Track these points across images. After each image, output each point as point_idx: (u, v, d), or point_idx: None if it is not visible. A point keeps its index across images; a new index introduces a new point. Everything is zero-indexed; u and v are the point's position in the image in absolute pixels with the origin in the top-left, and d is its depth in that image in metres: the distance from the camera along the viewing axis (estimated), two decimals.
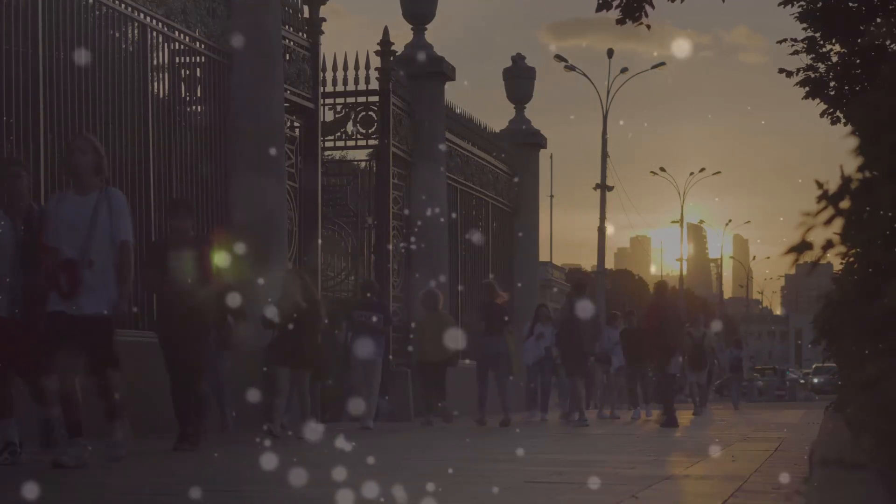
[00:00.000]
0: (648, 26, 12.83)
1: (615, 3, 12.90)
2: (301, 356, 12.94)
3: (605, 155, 42.00)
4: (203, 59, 15.23)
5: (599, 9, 12.97)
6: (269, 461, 7.42)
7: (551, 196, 55.70)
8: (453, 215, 22.67)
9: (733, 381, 29.71)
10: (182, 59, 14.93)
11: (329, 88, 19.34)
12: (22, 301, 8.67)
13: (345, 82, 19.72)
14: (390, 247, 19.98)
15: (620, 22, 12.93)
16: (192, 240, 10.59)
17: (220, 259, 13.01)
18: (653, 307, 18.39)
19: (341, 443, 9.39)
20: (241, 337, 13.13)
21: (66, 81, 12.25)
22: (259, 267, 14.90)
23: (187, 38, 14.77)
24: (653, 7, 12.87)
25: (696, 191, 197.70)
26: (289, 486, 6.60)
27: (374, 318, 15.90)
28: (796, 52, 14.69)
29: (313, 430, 12.52)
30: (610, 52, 41.35)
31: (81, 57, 12.42)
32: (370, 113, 19.98)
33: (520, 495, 6.60)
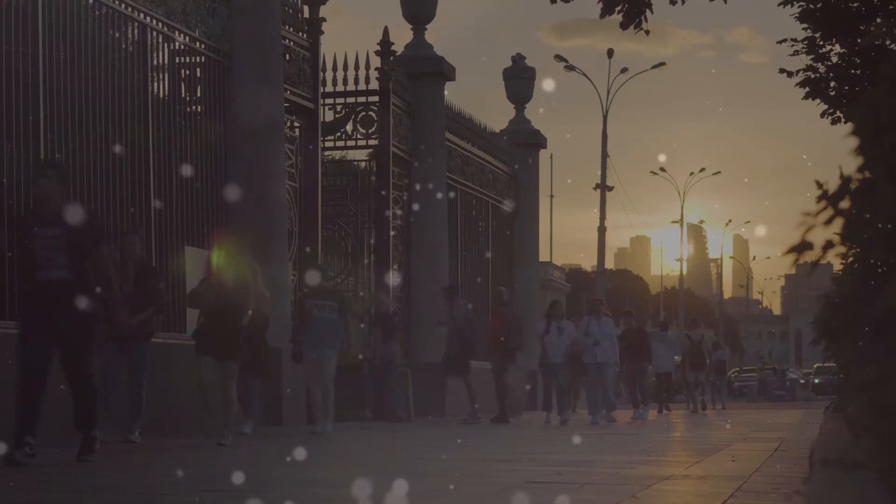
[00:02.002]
0: (647, 32, 12.97)
1: (618, 9, 12.99)
2: (225, 345, 11.28)
3: (605, 155, 42.00)
4: (203, 59, 15.23)
5: (603, 15, 13.08)
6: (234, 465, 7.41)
7: (551, 196, 55.77)
8: (453, 212, 22.69)
9: (716, 382, 30.23)
10: (182, 59, 14.93)
11: (329, 88, 19.35)
12: None
13: (345, 82, 19.73)
14: (390, 247, 19.99)
15: (623, 26, 13.04)
16: (61, 215, 8.63)
17: (219, 258, 12.88)
18: (499, 314, 18.74)
19: (299, 450, 9.37)
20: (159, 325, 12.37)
21: (66, 81, 12.24)
22: (259, 267, 14.90)
23: (187, 38, 14.77)
24: (651, 12, 12.99)
25: (696, 191, 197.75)
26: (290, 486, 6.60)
27: (330, 308, 14.05)
28: (796, 53, 14.68)
29: (234, 433, 11.32)
30: (610, 53, 41.38)
31: (81, 57, 12.44)
32: (370, 113, 19.99)
33: (520, 495, 6.60)
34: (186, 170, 14.50)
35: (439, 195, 21.33)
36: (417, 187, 20.90)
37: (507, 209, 26.23)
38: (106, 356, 11.03)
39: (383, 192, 19.97)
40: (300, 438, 12.48)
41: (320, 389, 13.98)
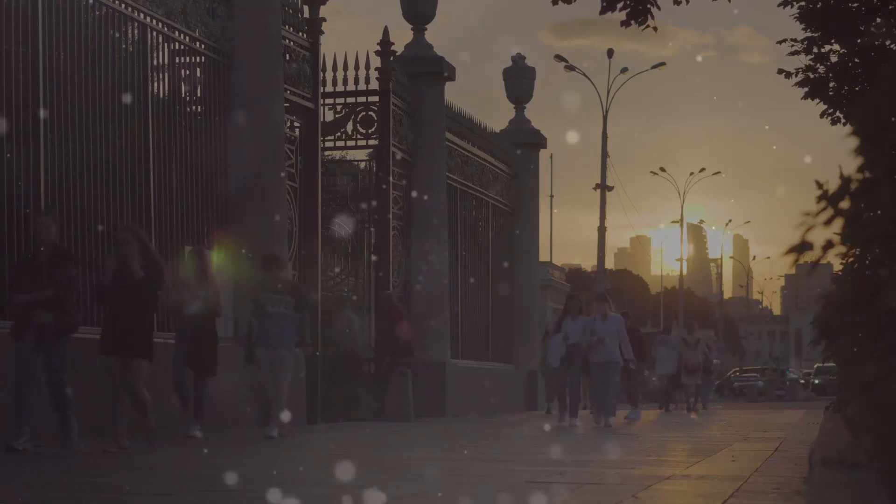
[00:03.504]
0: (655, 28, 12.70)
1: (619, 6, 12.81)
2: (133, 340, 10.29)
3: (605, 155, 42.00)
4: (203, 59, 15.23)
5: (604, 11, 12.84)
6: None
7: (551, 196, 55.78)
8: (453, 212, 22.69)
9: (705, 382, 30.50)
10: (182, 59, 14.92)
11: (329, 88, 19.34)
12: None
13: (345, 82, 19.73)
14: (390, 246, 19.99)
15: (625, 24, 12.79)
16: None
17: (220, 259, 12.76)
18: (398, 312, 18.82)
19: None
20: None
21: (66, 81, 12.24)
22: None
23: (187, 38, 14.77)
24: (658, 8, 12.74)
25: (696, 191, 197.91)
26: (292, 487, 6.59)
27: (286, 303, 13.00)
28: (795, 53, 14.67)
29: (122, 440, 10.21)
30: (610, 53, 41.36)
31: (81, 57, 12.43)
32: (370, 113, 19.98)
33: (520, 495, 6.60)
34: (186, 170, 14.50)
35: (439, 195, 21.33)
36: (417, 187, 20.89)
37: (507, 209, 26.24)
38: (20, 355, 10.07)
39: (383, 192, 19.96)
40: (299, 438, 12.48)
41: (274, 391, 12.86)
